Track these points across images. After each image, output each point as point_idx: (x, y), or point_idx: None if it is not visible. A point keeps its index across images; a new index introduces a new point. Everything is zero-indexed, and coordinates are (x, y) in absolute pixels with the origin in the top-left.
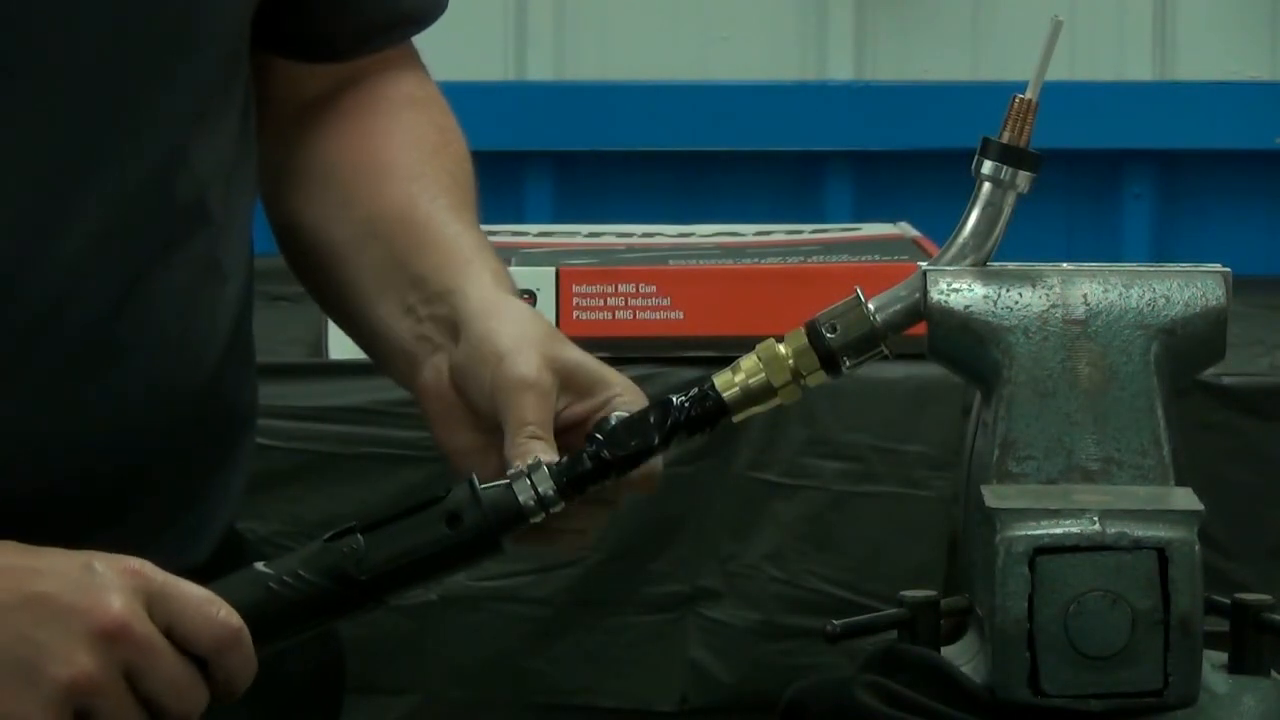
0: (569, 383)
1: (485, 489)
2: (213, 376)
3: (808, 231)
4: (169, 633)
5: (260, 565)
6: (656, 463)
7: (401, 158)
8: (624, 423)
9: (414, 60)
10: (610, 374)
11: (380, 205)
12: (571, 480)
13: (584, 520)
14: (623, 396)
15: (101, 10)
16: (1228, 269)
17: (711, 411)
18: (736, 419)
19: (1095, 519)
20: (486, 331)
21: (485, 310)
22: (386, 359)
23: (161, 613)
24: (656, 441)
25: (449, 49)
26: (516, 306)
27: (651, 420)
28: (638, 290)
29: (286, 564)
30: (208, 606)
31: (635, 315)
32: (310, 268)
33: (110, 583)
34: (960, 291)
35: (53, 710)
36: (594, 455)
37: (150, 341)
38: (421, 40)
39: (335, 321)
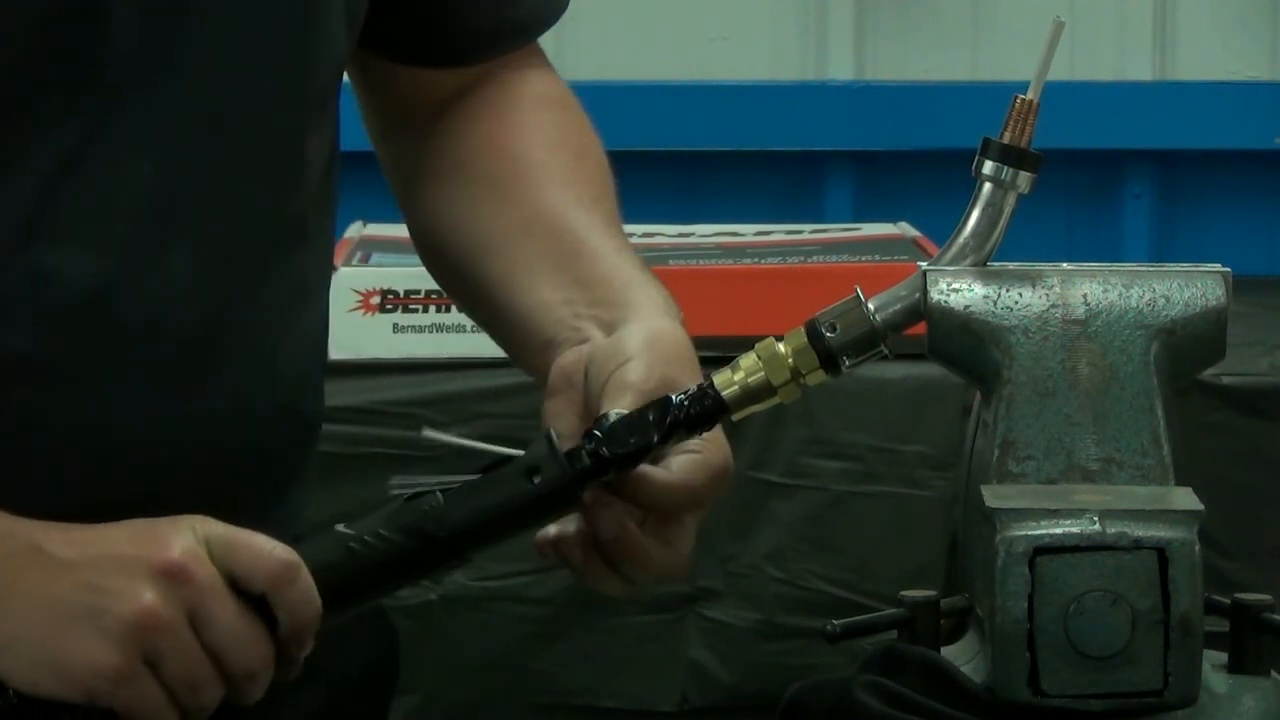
0: None
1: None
2: (293, 394)
3: (808, 231)
4: (229, 576)
5: (340, 526)
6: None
7: (549, 161)
8: (623, 420)
9: (541, 58)
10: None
11: (533, 207)
12: None
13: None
14: (709, 445)
15: (221, 25)
16: (1228, 269)
17: (711, 410)
18: (736, 418)
19: (1095, 519)
20: (626, 334)
21: (642, 322)
22: (522, 343)
23: (220, 555)
24: (655, 440)
25: None
26: (673, 331)
27: (650, 418)
28: None
29: (366, 524)
30: (262, 543)
31: None
32: (450, 262)
33: (170, 528)
34: (960, 291)
35: (121, 649)
36: (592, 453)
37: (242, 359)
38: None
39: (468, 311)
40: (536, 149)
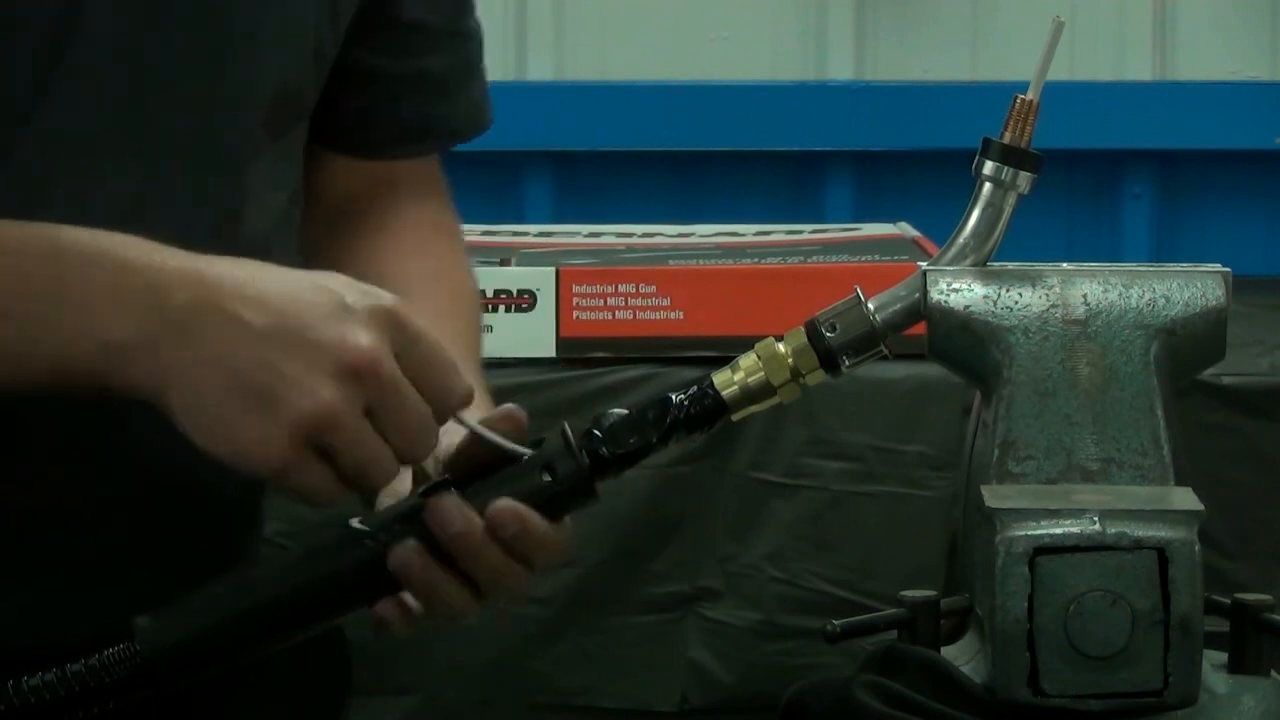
0: None
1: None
2: None
3: (808, 231)
4: (413, 379)
5: (355, 522)
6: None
7: (429, 291)
8: (623, 420)
9: (443, 186)
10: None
11: None
12: None
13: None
14: None
15: (190, 37)
16: (1228, 269)
17: (710, 410)
18: (735, 417)
19: (1095, 519)
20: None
21: None
22: None
23: (409, 360)
24: (655, 439)
25: None
26: None
27: (650, 418)
28: (638, 290)
29: (381, 520)
30: (453, 373)
31: (635, 315)
32: None
33: (362, 319)
34: (960, 291)
35: (292, 440)
36: (593, 452)
37: None
38: None
39: None
40: (418, 278)
